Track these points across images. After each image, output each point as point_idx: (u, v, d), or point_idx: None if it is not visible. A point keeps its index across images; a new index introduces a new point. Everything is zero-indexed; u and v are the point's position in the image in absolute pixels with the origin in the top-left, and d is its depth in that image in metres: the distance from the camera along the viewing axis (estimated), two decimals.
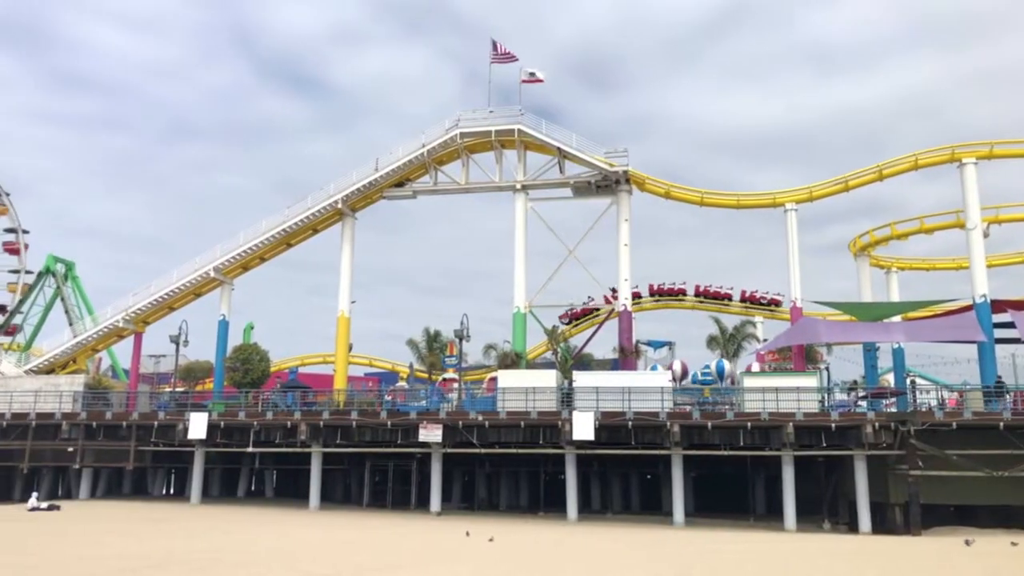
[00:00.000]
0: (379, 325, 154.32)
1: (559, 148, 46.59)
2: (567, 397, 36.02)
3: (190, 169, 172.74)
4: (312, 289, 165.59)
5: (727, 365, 44.67)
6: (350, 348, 51.61)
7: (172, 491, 48.97)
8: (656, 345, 50.66)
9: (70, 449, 40.32)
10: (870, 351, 44.75)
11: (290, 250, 51.30)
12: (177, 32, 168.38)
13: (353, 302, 49.54)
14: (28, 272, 70.52)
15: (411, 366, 53.49)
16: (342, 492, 44.97)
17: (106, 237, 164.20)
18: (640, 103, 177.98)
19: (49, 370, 50.34)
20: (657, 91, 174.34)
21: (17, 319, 63.91)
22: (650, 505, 41.60)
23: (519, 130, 47.01)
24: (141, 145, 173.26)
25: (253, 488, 49.38)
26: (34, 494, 37.60)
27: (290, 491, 46.41)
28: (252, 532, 27.37)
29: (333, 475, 44.08)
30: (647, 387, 35.23)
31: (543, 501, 41.01)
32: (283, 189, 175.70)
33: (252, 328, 65.02)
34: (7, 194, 77.44)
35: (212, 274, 48.72)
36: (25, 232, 76.62)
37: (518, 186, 47.84)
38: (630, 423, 34.07)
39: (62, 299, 61.07)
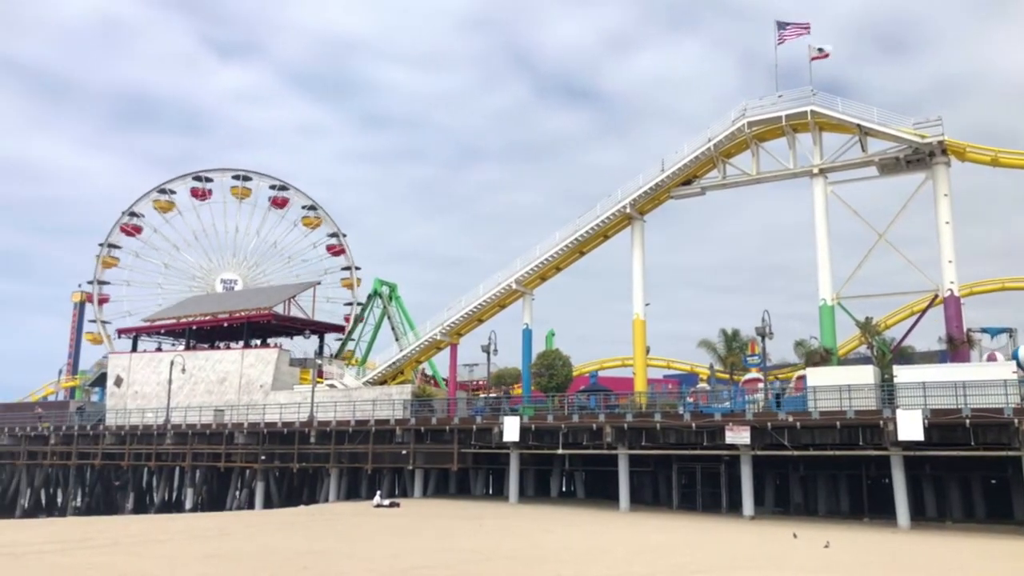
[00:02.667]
0: (673, 327, 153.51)
1: (859, 125, 43.10)
2: (888, 394, 32.98)
3: (484, 189, 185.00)
4: (605, 294, 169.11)
5: None
6: (647, 351, 51.74)
7: (491, 491, 52.27)
8: (993, 332, 44.71)
9: (404, 452, 44.64)
10: None
11: (583, 258, 52.78)
12: (459, 63, 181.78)
13: (647, 305, 49.68)
14: (359, 304, 79.97)
15: (711, 367, 52.32)
16: (651, 493, 45.05)
17: (419, 258, 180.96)
18: (946, 64, 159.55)
19: (382, 381, 56.39)
20: (966, 48, 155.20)
21: (351, 344, 72.48)
22: (998, 512, 36.67)
23: (812, 111, 44.24)
24: (439, 172, 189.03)
25: (564, 489, 51.20)
26: (378, 492, 42.17)
27: (600, 492, 47.43)
28: (568, 531, 28.29)
29: (641, 477, 44.32)
30: (986, 380, 31.16)
31: (867, 506, 37.87)
32: (570, 200, 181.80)
33: (554, 335, 67.74)
34: (344, 235, 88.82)
35: (514, 286, 51.55)
36: (357, 268, 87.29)
37: (815, 170, 44.99)
38: (967, 421, 30.32)
39: (388, 317, 68.11)
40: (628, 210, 48.96)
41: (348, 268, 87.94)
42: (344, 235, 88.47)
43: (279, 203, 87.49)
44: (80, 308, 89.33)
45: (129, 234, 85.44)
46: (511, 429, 40.39)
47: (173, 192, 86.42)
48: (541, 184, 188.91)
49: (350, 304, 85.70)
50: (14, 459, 59.35)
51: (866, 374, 34.96)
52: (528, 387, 51.11)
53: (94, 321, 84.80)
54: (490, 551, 21.27)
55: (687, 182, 49.09)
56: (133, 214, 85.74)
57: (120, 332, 73.90)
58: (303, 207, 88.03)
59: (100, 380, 77.56)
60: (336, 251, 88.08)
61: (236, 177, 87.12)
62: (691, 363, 69.89)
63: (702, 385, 51.44)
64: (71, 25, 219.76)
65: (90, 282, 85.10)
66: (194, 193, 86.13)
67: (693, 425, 36.11)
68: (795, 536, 25.06)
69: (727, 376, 50.53)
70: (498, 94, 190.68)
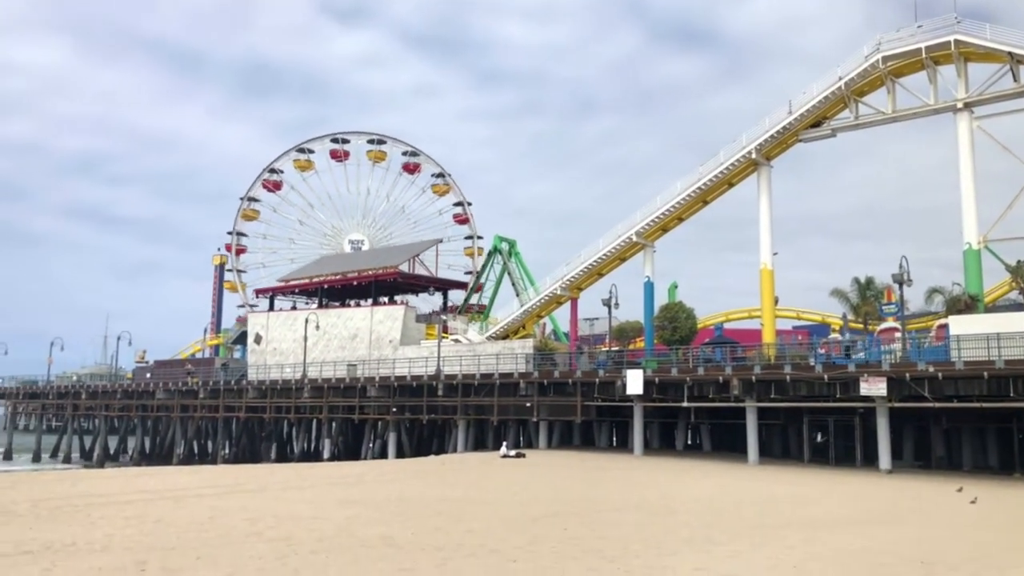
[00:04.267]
0: (802, 276, 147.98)
1: (1010, 53, 39.69)
2: None
3: (601, 142, 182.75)
4: (730, 245, 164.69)
5: None
6: (776, 301, 50.14)
7: (615, 443, 52.42)
8: None
9: (527, 404, 45.32)
10: None
11: (706, 207, 51.41)
12: (573, 13, 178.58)
13: (775, 254, 47.99)
14: (477, 273, 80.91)
15: (844, 317, 50.23)
16: (780, 447, 44.03)
17: (537, 215, 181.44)
18: None
19: (504, 336, 57.19)
20: None
21: (476, 294, 73.66)
22: None
23: (956, 40, 41.04)
24: (556, 126, 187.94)
25: (690, 442, 50.76)
26: (504, 443, 43.06)
27: (726, 445, 46.73)
28: (696, 483, 28.07)
29: (770, 430, 43.32)
30: None
31: (1018, 461, 35.68)
32: (689, 149, 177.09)
33: (676, 287, 66.63)
34: (469, 204, 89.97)
35: (634, 238, 50.87)
36: (479, 238, 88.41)
37: (959, 105, 41.86)
38: None
39: (508, 273, 68.75)
40: (754, 156, 47.19)
41: (471, 237, 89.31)
42: (470, 204, 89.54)
43: (410, 169, 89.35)
44: (220, 270, 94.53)
45: (269, 189, 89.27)
46: (635, 382, 40.20)
47: (312, 152, 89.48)
48: (659, 133, 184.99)
49: (470, 273, 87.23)
50: (169, 412, 64.05)
51: (1018, 321, 32.66)
52: (651, 340, 50.63)
53: (231, 270, 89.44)
54: (619, 501, 21.39)
55: (816, 124, 46.78)
56: (274, 170, 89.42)
57: (257, 292, 77.92)
58: (433, 174, 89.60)
59: (241, 338, 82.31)
60: (461, 220, 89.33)
61: (371, 141, 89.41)
62: (822, 313, 67.34)
63: (834, 335, 49.49)
64: (198, 1, 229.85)
65: (229, 232, 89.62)
66: (333, 154, 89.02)
67: (825, 377, 34.85)
68: (960, 490, 23.95)
69: (861, 326, 48.41)
70: (612, 43, 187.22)
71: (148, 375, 73.60)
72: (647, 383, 40.26)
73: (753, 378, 37.20)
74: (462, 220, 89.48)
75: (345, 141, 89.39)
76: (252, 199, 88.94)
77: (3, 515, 16.37)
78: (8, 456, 74.38)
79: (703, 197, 50.03)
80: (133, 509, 17.75)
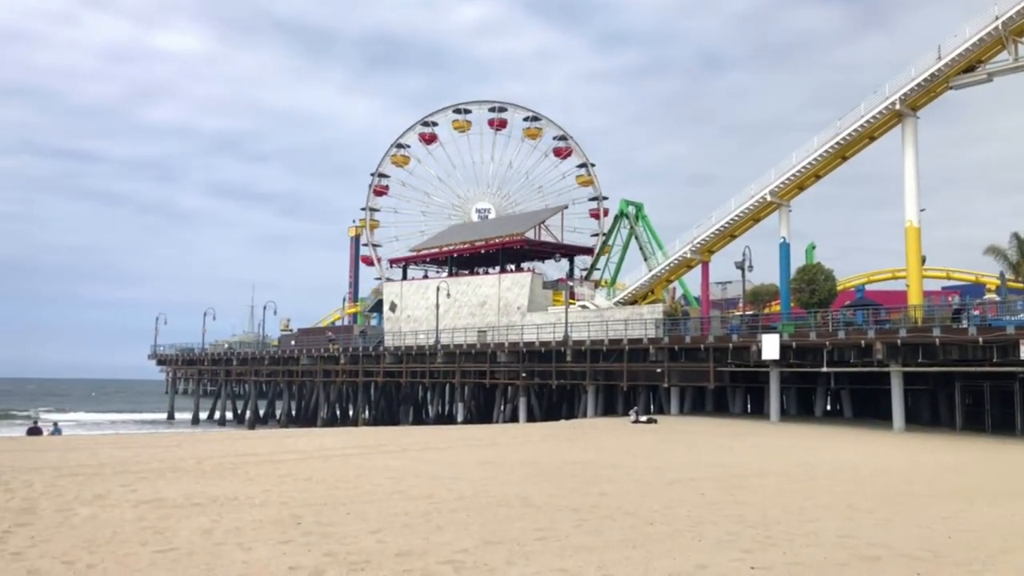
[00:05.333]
0: (951, 233, 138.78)
1: None
2: None
3: (729, 99, 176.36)
4: (872, 202, 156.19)
5: None
6: (923, 260, 47.30)
7: (750, 410, 51.26)
8: None
9: (658, 370, 44.90)
10: None
11: (845, 164, 48.91)
12: None
13: (922, 211, 45.15)
14: (604, 235, 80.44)
15: (1001, 276, 46.79)
16: (929, 414, 41.83)
17: (664, 177, 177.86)
18: None
19: (632, 301, 56.74)
20: None
21: (603, 258, 73.31)
22: None
23: None
24: (681, 85, 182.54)
25: (830, 408, 48.97)
26: (635, 409, 42.94)
27: (869, 412, 44.83)
28: (837, 450, 27.08)
29: (917, 396, 41.22)
30: None
31: None
32: (824, 103, 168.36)
33: (814, 248, 64.07)
34: (592, 165, 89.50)
35: (768, 198, 49.08)
36: (604, 199, 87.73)
37: None
38: None
39: (635, 238, 68.00)
40: (898, 106, 44.39)
41: (596, 199, 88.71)
42: (593, 165, 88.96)
43: (532, 134, 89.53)
44: (355, 241, 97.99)
45: (398, 164, 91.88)
46: (770, 347, 39.06)
47: (435, 124, 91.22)
48: (791, 88, 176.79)
49: (596, 235, 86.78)
50: (312, 377, 67.49)
51: None
52: (787, 304, 48.95)
53: (367, 245, 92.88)
54: (756, 467, 20.95)
55: (969, 69, 43.40)
56: (400, 146, 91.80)
57: (391, 262, 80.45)
58: (554, 138, 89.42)
59: (377, 306, 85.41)
60: (584, 182, 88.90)
61: (492, 109, 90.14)
62: (976, 272, 63.04)
63: (990, 296, 46.21)
64: None
65: (363, 208, 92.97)
66: (455, 125, 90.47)
67: (980, 340, 32.70)
68: None
69: (1021, 285, 45.01)
70: None
71: (292, 342, 77.68)
72: (783, 348, 39.02)
73: (898, 341, 35.37)
74: (585, 182, 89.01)
75: (467, 111, 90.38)
76: (382, 175, 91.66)
77: (173, 471, 17.78)
78: (171, 417, 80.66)
79: (842, 153, 47.61)
80: (286, 467, 18.87)
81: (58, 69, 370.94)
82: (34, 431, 39.63)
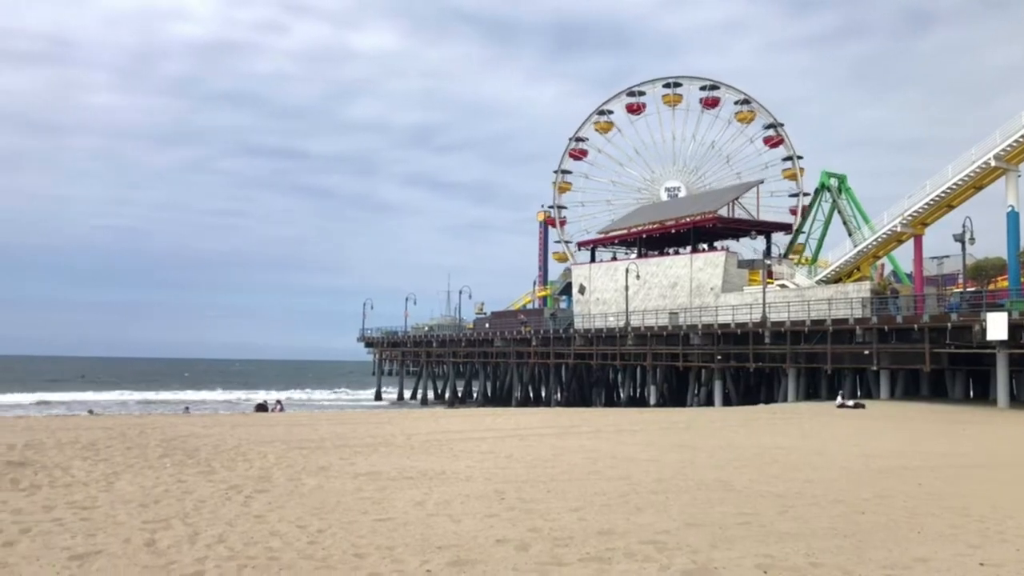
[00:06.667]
0: None
1: None
2: None
3: (940, 56, 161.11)
4: None
5: None
6: None
7: (972, 394, 47.08)
8: None
9: (866, 352, 42.22)
10: None
11: None
12: None
13: None
14: (805, 195, 77.12)
15: None
16: None
17: (868, 146, 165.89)
18: None
19: (835, 279, 53.65)
20: None
21: (800, 239, 69.82)
22: None
23: None
24: (883, 45, 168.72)
25: None
26: (840, 393, 40.73)
27: None
28: None
29: None
30: None
31: None
32: None
33: None
34: (780, 125, 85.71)
35: (993, 163, 44.54)
36: (799, 158, 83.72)
37: None
38: None
39: (839, 211, 64.13)
40: None
41: (789, 158, 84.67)
42: (781, 124, 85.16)
43: (710, 103, 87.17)
44: (543, 227, 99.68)
45: (576, 158, 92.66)
46: (996, 326, 35.64)
47: (610, 112, 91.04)
48: (1012, 40, 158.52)
49: (795, 195, 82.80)
50: (506, 359, 69.50)
51: None
52: (1016, 279, 44.33)
53: (559, 242, 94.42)
54: (981, 456, 19.28)
55: None
56: (579, 139, 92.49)
57: (579, 245, 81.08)
58: (735, 103, 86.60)
59: (566, 289, 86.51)
60: (774, 142, 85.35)
61: (666, 85, 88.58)
62: None
63: None
64: None
65: (550, 206, 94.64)
66: (629, 109, 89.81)
67: None
68: None
69: None
70: None
71: (487, 325, 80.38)
72: (1013, 327, 35.50)
73: None
74: (775, 143, 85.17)
75: (641, 93, 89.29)
76: (564, 171, 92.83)
77: (386, 446, 19.03)
78: (378, 397, 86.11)
79: None
80: (486, 445, 19.64)
81: (268, 75, 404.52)
82: (261, 407, 43.79)
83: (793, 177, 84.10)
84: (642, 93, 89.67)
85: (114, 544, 8.73)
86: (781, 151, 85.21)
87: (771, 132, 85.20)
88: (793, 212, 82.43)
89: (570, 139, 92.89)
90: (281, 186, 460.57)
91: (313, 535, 9.33)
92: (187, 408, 51.49)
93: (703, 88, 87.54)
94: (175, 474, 13.98)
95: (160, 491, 12.22)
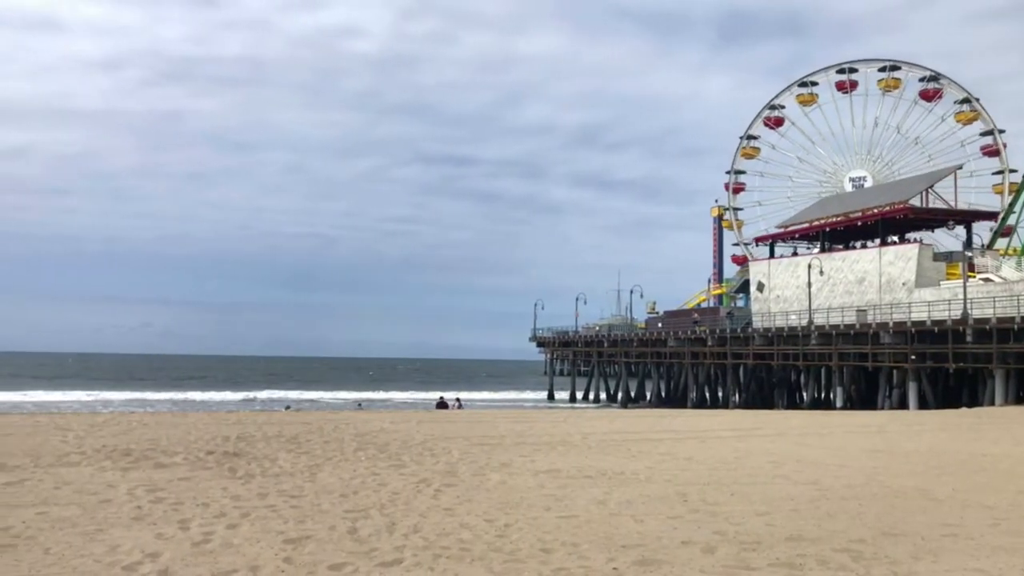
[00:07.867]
0: None
1: None
2: None
3: None
4: None
5: None
6: None
7: None
8: None
9: None
10: None
11: None
12: None
13: None
14: (1012, 171, 70.53)
15: None
16: None
17: None
18: None
19: None
20: None
21: (1011, 219, 63.74)
22: None
23: None
24: None
25: None
26: None
27: None
28: None
29: None
30: None
31: None
32: None
33: None
34: (976, 99, 78.79)
35: None
36: (1001, 132, 76.60)
37: None
38: None
39: None
40: None
41: (989, 132, 77.38)
42: (1002, 131, 77.47)
43: (928, 95, 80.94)
44: (718, 222, 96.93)
45: (770, 127, 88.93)
46: None
47: (815, 84, 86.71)
48: None
49: (1000, 172, 75.76)
50: (680, 359, 68.21)
51: None
52: None
53: (737, 244, 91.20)
54: None
55: None
56: (775, 106, 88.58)
57: (757, 241, 78.22)
58: (955, 101, 79.79)
59: (743, 287, 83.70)
60: (990, 151, 77.84)
61: (883, 68, 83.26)
62: None
63: None
64: None
65: (725, 207, 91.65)
66: (839, 86, 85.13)
67: None
68: None
69: None
70: None
71: (659, 324, 79.30)
72: None
73: None
74: (991, 151, 77.59)
75: (853, 71, 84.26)
76: (751, 137, 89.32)
77: (563, 445, 19.31)
78: (551, 397, 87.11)
79: None
80: (664, 447, 19.44)
81: (438, 84, 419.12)
82: (441, 405, 45.60)
83: (995, 154, 76.87)
84: (855, 70, 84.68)
85: (321, 531, 9.47)
86: (978, 126, 78.15)
87: (989, 140, 77.86)
88: (998, 191, 75.43)
89: (741, 137, 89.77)
90: (452, 191, 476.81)
91: (501, 529, 9.66)
92: (360, 404, 55.36)
93: (922, 79, 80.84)
94: (370, 467, 14.89)
95: (357, 483, 13.07)
